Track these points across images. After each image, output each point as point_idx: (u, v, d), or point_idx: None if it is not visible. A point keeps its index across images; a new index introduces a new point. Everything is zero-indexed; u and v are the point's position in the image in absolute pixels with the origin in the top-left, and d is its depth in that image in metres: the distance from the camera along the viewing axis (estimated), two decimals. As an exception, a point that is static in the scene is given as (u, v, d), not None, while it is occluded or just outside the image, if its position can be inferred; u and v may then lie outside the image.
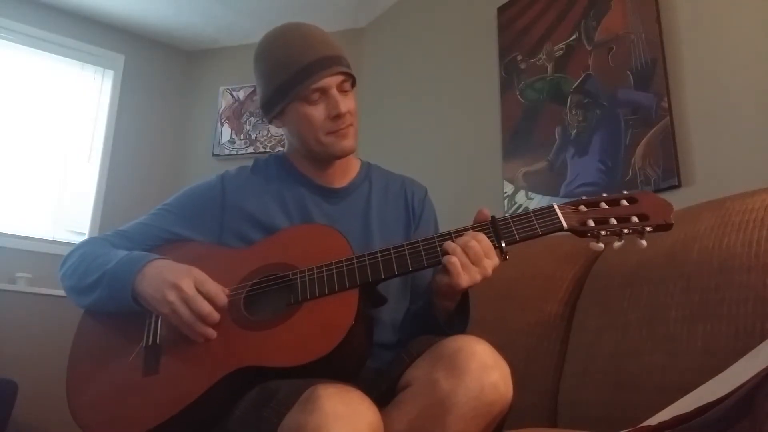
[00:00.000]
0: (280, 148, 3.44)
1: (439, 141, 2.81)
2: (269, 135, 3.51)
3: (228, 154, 3.54)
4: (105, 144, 3.50)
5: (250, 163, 1.30)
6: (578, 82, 2.15)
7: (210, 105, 3.70)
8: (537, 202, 2.21)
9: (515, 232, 1.02)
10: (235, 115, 3.60)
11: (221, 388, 0.98)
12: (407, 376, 0.95)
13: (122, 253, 1.11)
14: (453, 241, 1.01)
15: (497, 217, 1.05)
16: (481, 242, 1.00)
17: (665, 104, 1.83)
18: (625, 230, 1.01)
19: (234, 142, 3.56)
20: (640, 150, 1.88)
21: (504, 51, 2.51)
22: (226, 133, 3.59)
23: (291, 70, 1.14)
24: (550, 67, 2.29)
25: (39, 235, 3.21)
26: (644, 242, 1.02)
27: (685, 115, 1.80)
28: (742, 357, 0.91)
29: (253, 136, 3.54)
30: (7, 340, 2.83)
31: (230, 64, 3.77)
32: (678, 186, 1.77)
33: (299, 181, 1.24)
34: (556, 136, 2.20)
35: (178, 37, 3.78)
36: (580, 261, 1.52)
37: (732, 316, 1.07)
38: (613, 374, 1.23)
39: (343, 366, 0.96)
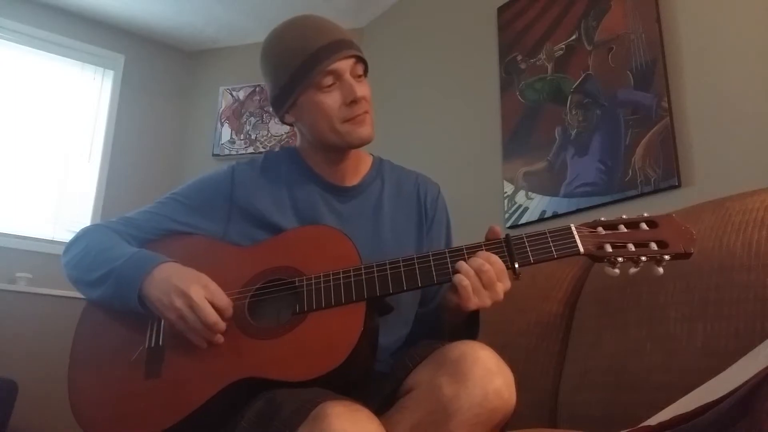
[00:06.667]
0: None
1: (439, 141, 2.81)
2: (269, 135, 3.51)
3: (228, 154, 3.54)
4: (105, 144, 3.50)
5: (261, 156, 1.25)
6: (578, 82, 2.15)
7: (210, 105, 3.70)
8: (537, 202, 2.21)
9: (530, 254, 0.99)
10: (235, 115, 3.60)
11: (224, 396, 0.98)
12: (410, 380, 0.94)
13: (130, 251, 1.08)
14: (466, 261, 0.98)
15: (507, 231, 1.02)
16: (494, 265, 0.97)
17: (665, 104, 1.83)
18: (643, 257, 0.98)
19: (234, 142, 3.56)
20: (640, 150, 1.88)
21: (504, 51, 2.51)
22: (226, 133, 3.59)
23: (302, 57, 1.10)
24: (550, 67, 2.29)
25: (39, 235, 3.21)
26: (660, 270, 0.98)
27: (685, 115, 1.80)
28: (742, 357, 0.91)
29: (253, 136, 3.54)
30: (7, 340, 2.83)
31: (230, 64, 3.77)
32: (678, 186, 1.77)
33: (310, 178, 1.20)
34: (556, 136, 2.20)
35: (178, 37, 3.77)
36: (580, 261, 1.52)
37: (732, 316, 1.07)
38: (613, 374, 1.23)
39: (346, 378, 0.95)
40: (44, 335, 2.89)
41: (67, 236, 3.25)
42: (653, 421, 0.77)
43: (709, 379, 0.88)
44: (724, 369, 0.89)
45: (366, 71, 1.17)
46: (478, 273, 0.96)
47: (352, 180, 1.22)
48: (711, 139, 1.73)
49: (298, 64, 1.11)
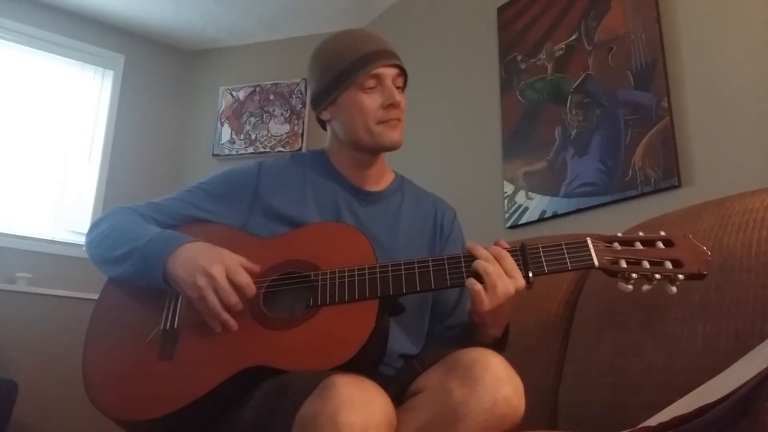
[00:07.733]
0: (281, 148, 3.44)
1: (440, 141, 2.81)
2: (269, 135, 3.51)
3: (228, 154, 3.54)
4: (105, 144, 3.50)
5: (289, 154, 1.31)
6: (578, 82, 2.15)
7: (210, 105, 3.70)
8: (537, 202, 2.21)
9: (544, 264, 1.01)
10: (235, 115, 3.60)
11: (234, 383, 0.99)
12: (419, 382, 0.95)
13: (155, 230, 1.11)
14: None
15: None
16: (504, 261, 1.00)
17: (665, 104, 1.83)
18: (657, 275, 0.99)
19: (234, 142, 3.56)
20: (640, 150, 1.88)
21: (504, 51, 2.51)
22: (226, 133, 3.59)
23: (350, 59, 1.18)
24: (550, 67, 2.29)
25: (39, 235, 3.21)
26: (674, 288, 1.00)
27: (685, 115, 1.80)
28: (742, 357, 0.91)
29: (253, 136, 3.54)
30: (7, 340, 2.83)
31: (230, 64, 3.76)
32: (678, 186, 1.77)
33: (334, 178, 1.25)
34: (556, 136, 2.20)
35: (178, 37, 3.78)
36: (580, 261, 1.52)
37: (732, 316, 1.07)
38: (613, 374, 1.23)
39: (354, 371, 0.97)
40: (44, 335, 2.89)
41: (67, 236, 3.27)
42: (653, 421, 0.77)
43: (709, 379, 0.88)
44: (724, 369, 0.89)
45: (405, 86, 1.24)
46: (498, 258, 1.00)
47: (374, 187, 1.27)
48: (711, 139, 1.73)
49: (346, 64, 1.18)
